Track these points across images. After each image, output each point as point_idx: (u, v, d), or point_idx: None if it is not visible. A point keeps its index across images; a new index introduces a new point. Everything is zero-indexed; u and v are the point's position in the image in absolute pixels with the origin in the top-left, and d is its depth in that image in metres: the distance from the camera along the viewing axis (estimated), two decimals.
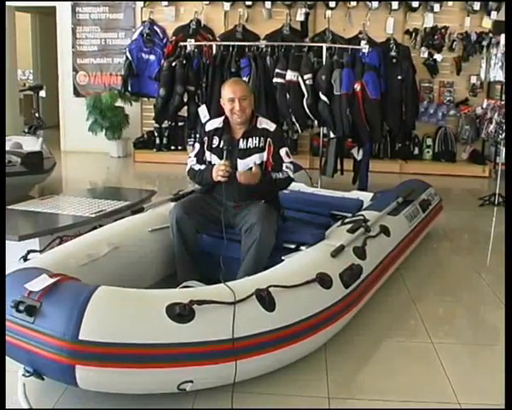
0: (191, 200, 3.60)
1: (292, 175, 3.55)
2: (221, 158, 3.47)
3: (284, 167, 3.50)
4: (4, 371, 2.42)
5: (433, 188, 5.19)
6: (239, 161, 3.48)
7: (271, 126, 3.55)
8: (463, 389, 2.69)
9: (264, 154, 3.49)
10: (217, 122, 3.62)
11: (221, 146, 3.50)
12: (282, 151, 3.52)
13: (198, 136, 3.86)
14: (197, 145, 3.71)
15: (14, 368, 2.43)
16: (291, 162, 3.56)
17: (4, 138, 5.55)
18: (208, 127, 3.65)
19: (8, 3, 9.03)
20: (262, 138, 3.50)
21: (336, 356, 2.94)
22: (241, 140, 3.50)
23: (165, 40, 8.39)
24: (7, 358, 2.44)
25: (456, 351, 3.10)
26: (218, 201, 3.53)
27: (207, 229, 3.57)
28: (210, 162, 3.57)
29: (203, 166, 3.60)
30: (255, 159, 3.47)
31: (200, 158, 3.65)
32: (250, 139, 3.50)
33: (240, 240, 3.41)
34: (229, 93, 3.47)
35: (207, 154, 3.60)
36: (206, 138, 3.61)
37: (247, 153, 3.48)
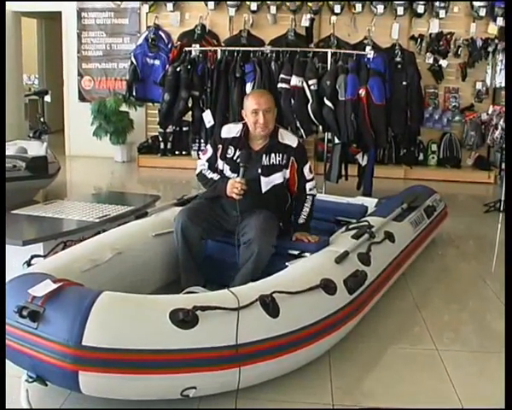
0: (196, 207, 3.57)
1: (315, 192, 3.60)
2: (234, 170, 3.42)
3: (308, 190, 3.53)
4: (4, 371, 2.42)
5: (438, 194, 5.18)
6: (262, 178, 3.43)
7: (294, 142, 3.49)
8: (468, 396, 2.67)
9: (287, 171, 3.46)
10: (234, 130, 3.51)
11: (235, 158, 3.44)
12: (306, 168, 3.52)
13: (211, 138, 3.75)
14: (209, 149, 3.59)
15: (17, 374, 2.43)
16: (313, 178, 3.58)
17: (4, 143, 5.56)
18: (224, 134, 3.53)
19: (14, 9, 9.10)
20: (285, 155, 3.44)
21: (341, 363, 2.93)
22: (264, 156, 3.43)
23: (169, 45, 8.41)
24: (10, 363, 2.44)
25: (462, 358, 3.09)
26: (224, 209, 3.50)
27: (212, 235, 3.55)
28: (222, 171, 3.51)
29: (215, 175, 3.53)
30: (278, 176, 3.44)
31: (212, 164, 3.57)
32: (273, 155, 3.43)
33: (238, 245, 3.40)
34: (253, 104, 3.37)
35: (220, 162, 3.52)
36: (220, 146, 3.52)
37: (271, 170, 3.43)
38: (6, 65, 8.06)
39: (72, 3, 8.94)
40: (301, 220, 3.50)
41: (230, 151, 3.48)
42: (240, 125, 3.52)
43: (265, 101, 3.39)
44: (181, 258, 3.44)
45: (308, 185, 3.53)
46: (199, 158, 3.69)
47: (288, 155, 3.44)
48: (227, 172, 3.49)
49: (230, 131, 3.53)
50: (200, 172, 3.61)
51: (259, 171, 3.42)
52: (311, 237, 3.45)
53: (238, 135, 3.48)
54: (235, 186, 3.33)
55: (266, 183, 3.44)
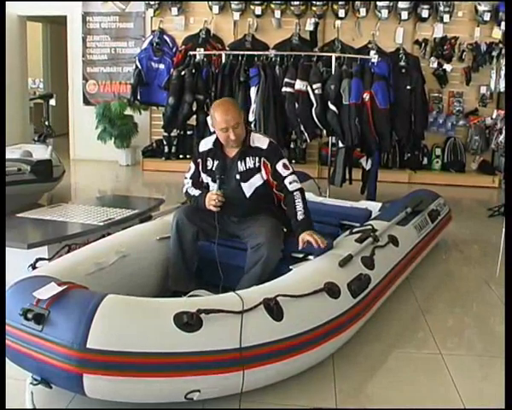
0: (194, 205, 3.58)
1: (299, 185, 3.39)
2: (215, 181, 3.42)
3: (288, 184, 3.35)
4: (4, 371, 2.44)
5: (443, 198, 5.17)
6: (242, 184, 3.42)
7: (263, 143, 3.41)
8: (472, 399, 2.67)
9: (263, 173, 3.41)
10: (209, 142, 3.51)
11: (214, 169, 3.45)
12: (279, 166, 3.37)
13: (193, 156, 3.70)
14: (192, 166, 3.59)
15: (22, 376, 2.44)
16: (292, 173, 3.39)
17: (4, 146, 5.59)
18: (201, 148, 3.53)
19: (20, 13, 9.15)
20: (257, 158, 3.39)
21: (344, 366, 2.93)
22: (239, 162, 3.40)
23: (174, 49, 8.43)
24: (15, 366, 2.45)
25: (466, 362, 3.08)
26: (224, 211, 3.49)
27: (210, 236, 3.53)
28: (207, 184, 3.51)
29: (197, 192, 3.53)
30: (257, 178, 3.41)
31: (195, 181, 3.57)
32: (248, 159, 3.40)
33: (242, 248, 3.41)
34: (221, 123, 3.29)
35: (203, 175, 3.53)
36: (199, 160, 3.53)
37: (248, 174, 3.40)
38: (11, 69, 8.09)
39: (77, 8, 8.99)
40: (300, 216, 3.29)
41: (209, 163, 3.48)
42: (213, 136, 3.50)
43: (232, 117, 3.29)
44: (172, 256, 3.45)
45: (286, 181, 3.36)
46: (185, 178, 3.66)
47: (259, 156, 3.39)
48: (210, 183, 3.49)
49: (206, 143, 3.52)
50: (186, 190, 3.62)
51: (238, 177, 3.41)
52: (318, 237, 3.22)
53: (213, 146, 3.47)
54: (211, 198, 3.34)
55: (248, 187, 3.42)
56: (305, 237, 3.22)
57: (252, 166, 3.40)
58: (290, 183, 3.36)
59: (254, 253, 3.28)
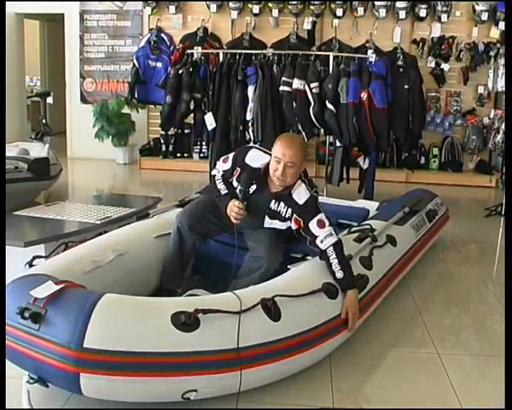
0: (200, 211, 3.48)
1: (332, 240, 3.08)
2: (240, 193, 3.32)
3: (320, 243, 3.09)
4: (4, 372, 2.43)
5: (440, 198, 5.17)
6: (266, 218, 3.32)
7: (302, 199, 3.18)
8: (469, 400, 2.67)
9: (292, 224, 3.25)
10: (260, 161, 3.28)
11: (241, 180, 3.31)
12: (312, 224, 3.13)
13: (237, 153, 3.42)
14: (230, 163, 3.40)
15: (18, 375, 2.43)
16: (323, 232, 3.10)
17: (4, 144, 5.57)
18: (248, 160, 3.32)
19: (17, 11, 9.13)
20: (290, 210, 3.24)
21: (342, 366, 2.92)
22: (274, 201, 3.27)
23: (172, 48, 8.42)
24: (12, 364, 2.44)
25: (463, 362, 3.08)
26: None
27: (209, 236, 3.53)
28: (235, 189, 3.35)
29: (223, 188, 3.38)
30: (280, 224, 3.31)
31: (226, 179, 3.41)
32: (282, 204, 3.25)
33: (245, 247, 3.39)
34: (277, 152, 3.10)
35: (235, 182, 3.37)
36: (239, 169, 3.33)
37: (275, 216, 3.29)
38: (8, 67, 8.07)
39: (75, 6, 8.97)
40: (339, 274, 3.02)
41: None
42: (266, 159, 3.26)
43: (291, 154, 3.07)
44: (170, 257, 3.46)
45: (318, 240, 3.11)
46: (218, 162, 3.51)
47: (292, 210, 3.24)
48: (238, 190, 3.35)
49: (256, 160, 3.32)
50: (214, 176, 3.50)
51: (265, 210, 3.30)
52: (355, 315, 3.00)
53: (261, 168, 3.28)
54: (233, 210, 3.23)
55: (269, 223, 3.35)
56: (349, 307, 2.98)
57: (282, 213, 3.27)
58: (321, 241, 3.10)
59: (254, 261, 3.26)
